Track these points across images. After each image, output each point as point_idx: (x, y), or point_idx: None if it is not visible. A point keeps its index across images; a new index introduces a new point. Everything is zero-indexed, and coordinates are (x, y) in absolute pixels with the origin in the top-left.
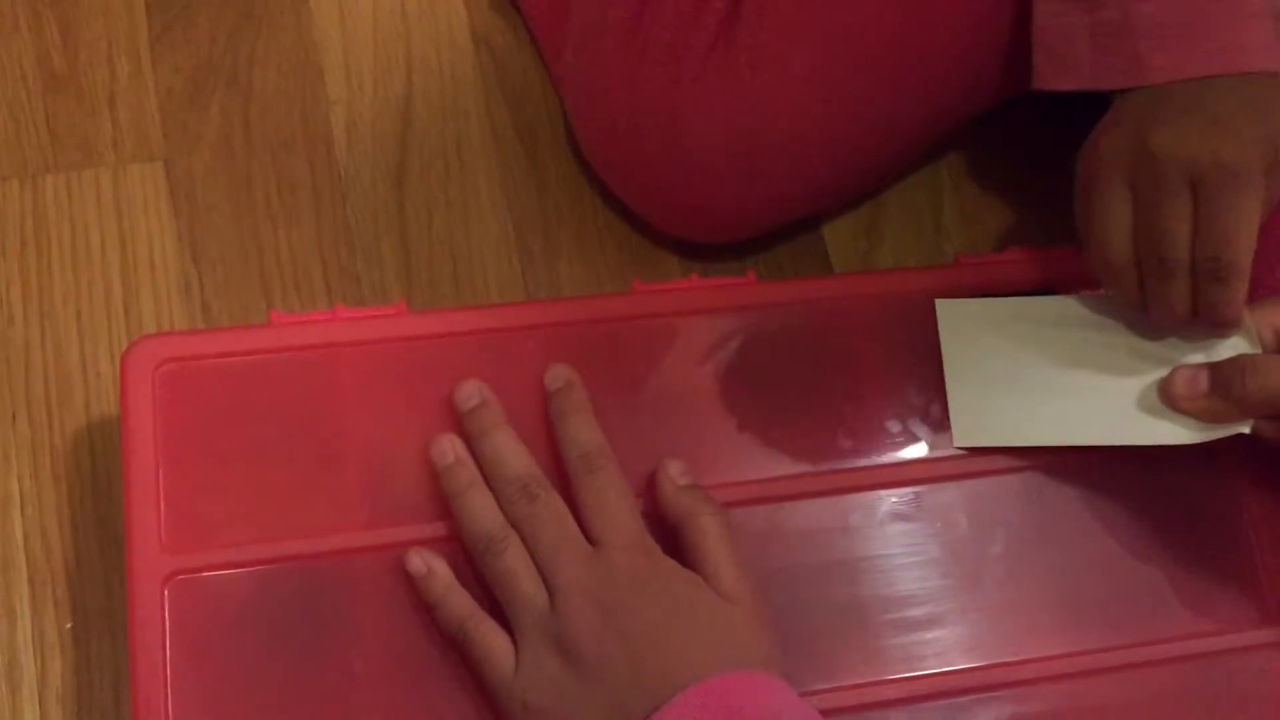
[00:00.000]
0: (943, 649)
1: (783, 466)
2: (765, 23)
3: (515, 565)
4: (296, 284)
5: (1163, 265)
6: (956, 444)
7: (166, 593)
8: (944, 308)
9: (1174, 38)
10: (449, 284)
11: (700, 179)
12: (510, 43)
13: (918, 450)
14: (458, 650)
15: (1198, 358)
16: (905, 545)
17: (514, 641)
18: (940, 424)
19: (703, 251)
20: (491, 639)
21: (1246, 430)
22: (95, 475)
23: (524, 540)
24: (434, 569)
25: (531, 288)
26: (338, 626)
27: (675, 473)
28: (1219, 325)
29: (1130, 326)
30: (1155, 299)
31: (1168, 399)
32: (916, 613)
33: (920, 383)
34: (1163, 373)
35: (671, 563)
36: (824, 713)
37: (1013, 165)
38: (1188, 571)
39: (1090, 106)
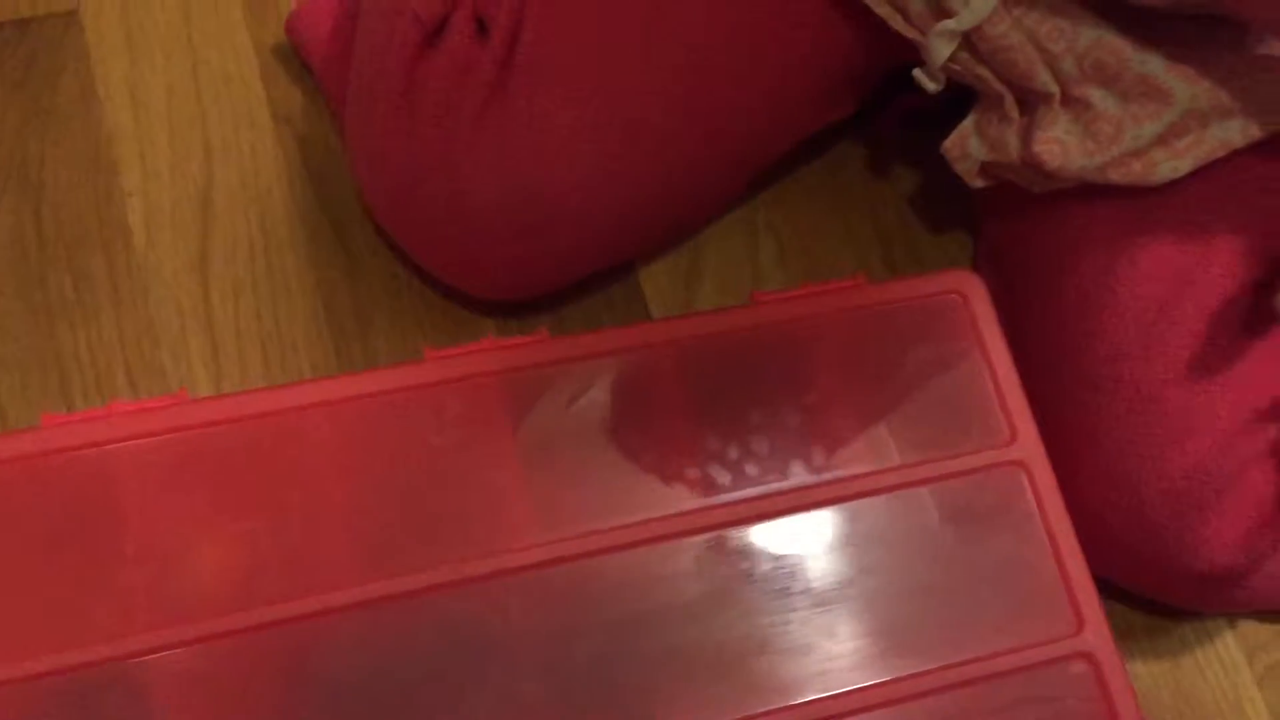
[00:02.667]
0: (762, 689)
1: (583, 523)
2: (539, 77)
3: None
4: (99, 384)
5: None
6: None
7: None
8: None
9: None
10: (259, 369)
11: (484, 237)
12: (312, 116)
13: (720, 495)
14: None
15: None
16: (714, 590)
17: None
18: (739, 466)
19: (516, 309)
20: None
21: None
22: None
23: None
24: None
25: (346, 364)
26: None
27: None
28: None
29: None
30: None
31: None
32: (730, 656)
33: (719, 426)
34: None
35: None
36: None
37: (825, 196)
38: (996, 590)
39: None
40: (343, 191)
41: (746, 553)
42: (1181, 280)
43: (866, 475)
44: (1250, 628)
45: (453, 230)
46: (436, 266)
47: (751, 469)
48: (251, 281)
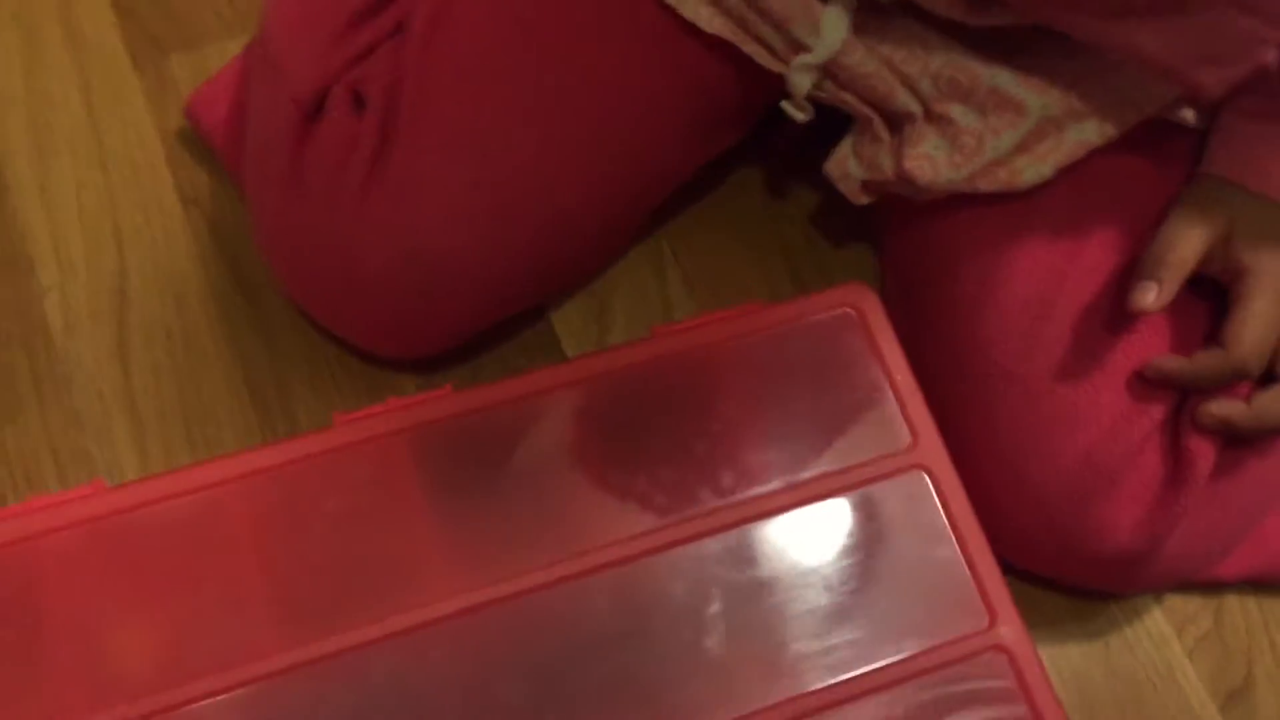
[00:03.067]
0: (684, 713)
1: (499, 568)
2: (418, 143)
3: None
4: (28, 479)
5: None
6: None
7: None
8: None
9: None
10: (184, 448)
11: (382, 303)
12: (219, 196)
13: (630, 527)
14: None
15: None
16: (631, 622)
17: None
18: (648, 498)
19: (432, 363)
20: None
21: None
22: None
23: None
24: None
25: (269, 434)
26: None
27: None
28: None
29: None
30: None
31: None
32: (650, 684)
33: (627, 461)
34: None
35: None
36: None
37: (728, 220)
38: (908, 592)
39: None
40: (255, 268)
41: (660, 580)
42: (1055, 277)
43: (773, 494)
44: (1178, 601)
45: (352, 299)
46: (344, 333)
47: (660, 499)
48: (171, 363)
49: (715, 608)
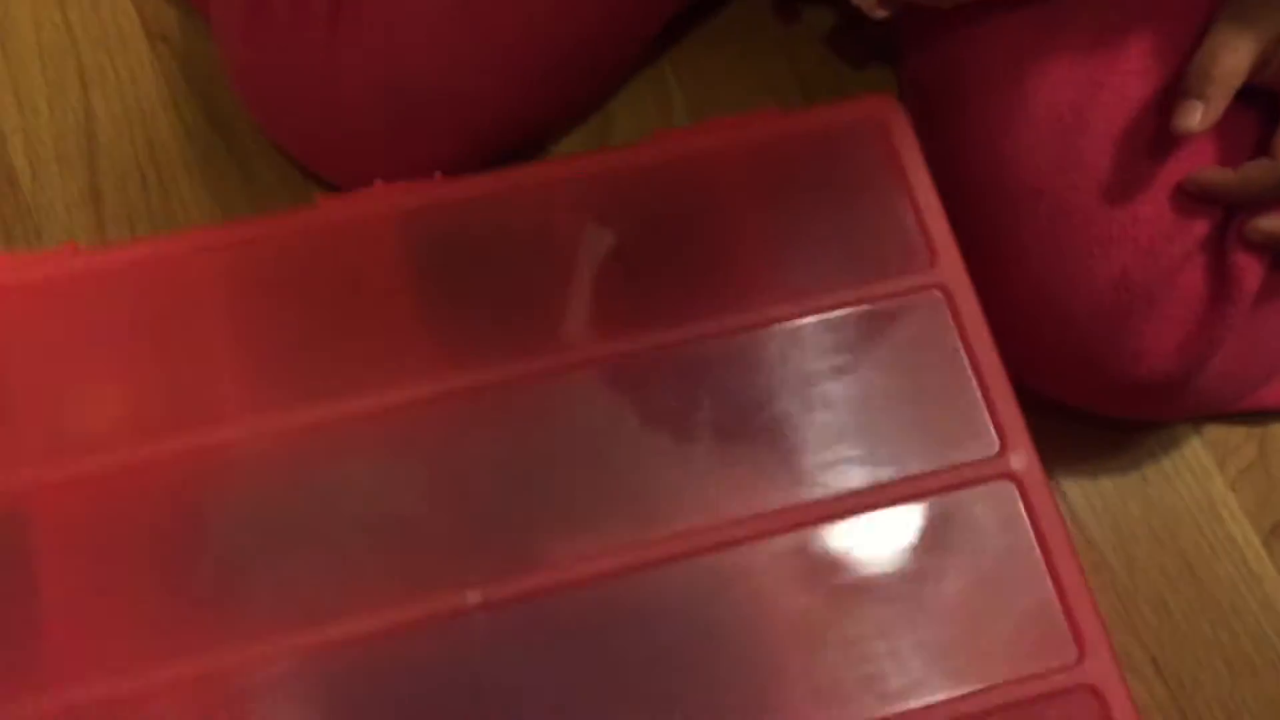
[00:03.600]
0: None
1: (484, 357)
2: None
3: None
4: None
5: None
6: None
7: None
8: None
9: None
10: None
11: (364, 135)
12: (189, 32)
13: (623, 331)
14: None
15: None
16: (613, 425)
17: None
18: (644, 303)
19: None
20: None
21: None
22: None
23: None
24: None
25: None
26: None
27: None
28: None
29: None
30: None
31: None
32: (629, 489)
33: (621, 264)
34: None
35: None
36: None
37: (737, 43)
38: (918, 415)
39: None
40: (230, 106)
41: (651, 382)
42: (1089, 87)
43: (777, 305)
44: (1220, 432)
45: (332, 133)
46: (325, 172)
47: (657, 306)
48: (148, 209)
49: (708, 414)
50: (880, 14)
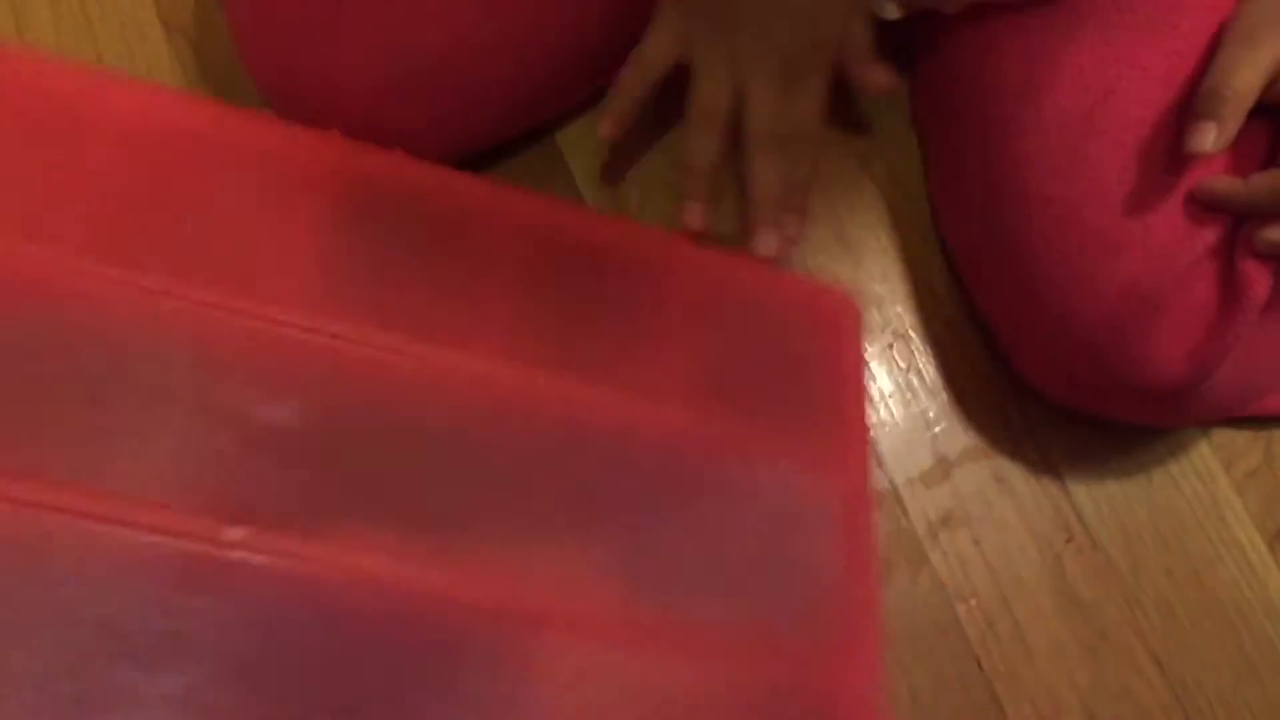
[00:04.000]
0: None
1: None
2: None
3: None
4: None
5: None
6: None
7: None
8: None
9: None
10: None
11: (368, 111)
12: (204, 22)
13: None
14: None
15: None
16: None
17: None
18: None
19: None
20: None
21: None
22: None
23: None
24: None
25: None
26: None
27: None
28: None
29: None
30: None
31: None
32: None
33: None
34: None
35: None
36: None
37: None
38: None
39: None
40: (246, 97)
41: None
42: (1100, 93)
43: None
44: (1226, 436)
45: (339, 105)
46: None
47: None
48: None
49: (553, 478)
50: (892, 15)
